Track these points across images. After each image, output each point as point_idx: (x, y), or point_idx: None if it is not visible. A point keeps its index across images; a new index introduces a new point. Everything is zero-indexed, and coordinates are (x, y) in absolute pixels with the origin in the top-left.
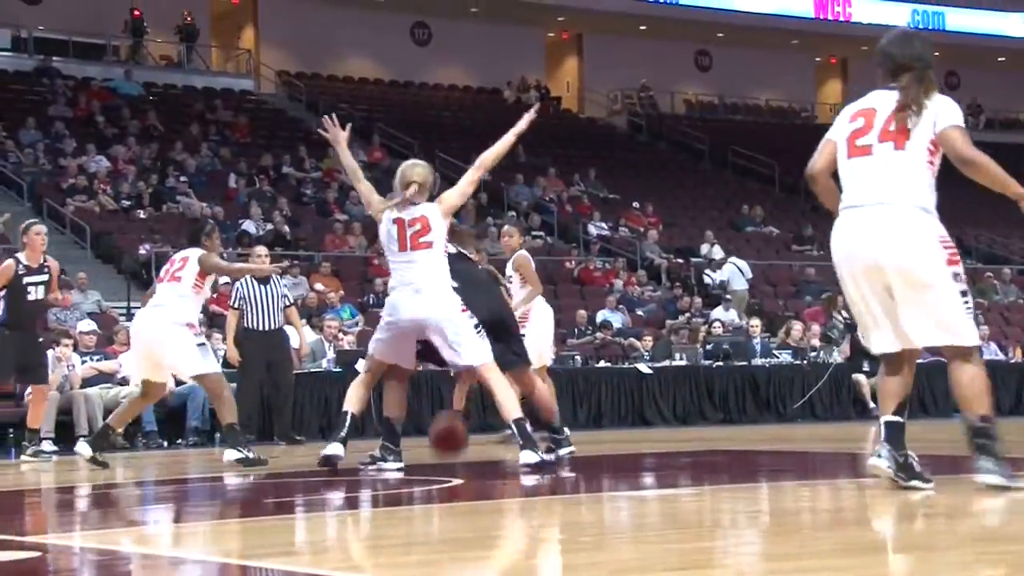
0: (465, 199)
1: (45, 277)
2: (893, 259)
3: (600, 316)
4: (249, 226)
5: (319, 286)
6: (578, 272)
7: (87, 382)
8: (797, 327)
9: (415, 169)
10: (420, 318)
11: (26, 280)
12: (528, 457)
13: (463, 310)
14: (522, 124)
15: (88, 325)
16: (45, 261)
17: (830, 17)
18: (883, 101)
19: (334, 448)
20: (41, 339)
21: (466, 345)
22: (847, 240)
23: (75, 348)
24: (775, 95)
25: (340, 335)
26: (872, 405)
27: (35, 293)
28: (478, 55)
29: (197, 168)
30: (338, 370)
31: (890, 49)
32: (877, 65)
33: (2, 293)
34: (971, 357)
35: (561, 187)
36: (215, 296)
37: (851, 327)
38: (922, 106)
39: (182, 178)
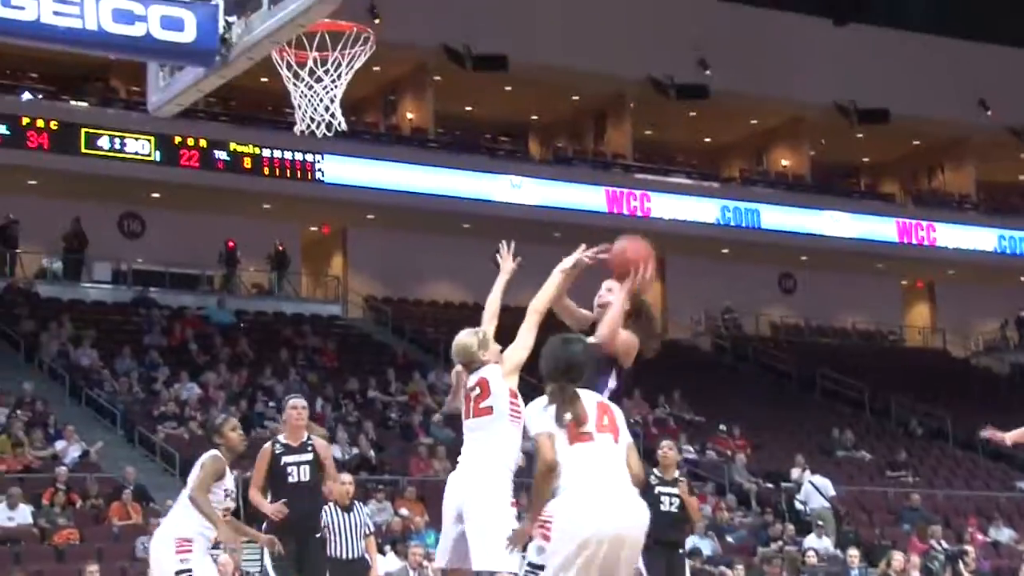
0: (528, 351)
1: (309, 456)
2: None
3: (689, 543)
4: (335, 451)
5: (404, 511)
6: None
7: None
8: (898, 557)
9: (454, 347)
10: (459, 501)
11: (284, 460)
12: None
13: (512, 503)
14: (568, 262)
15: None
16: (309, 439)
17: (915, 242)
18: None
19: None
20: (319, 534)
21: (489, 543)
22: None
23: None
24: (862, 318)
25: (425, 562)
26: None
27: (297, 475)
28: None
29: (285, 393)
30: None
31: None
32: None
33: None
34: None
35: (646, 410)
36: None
37: (951, 557)
38: None
39: (270, 403)
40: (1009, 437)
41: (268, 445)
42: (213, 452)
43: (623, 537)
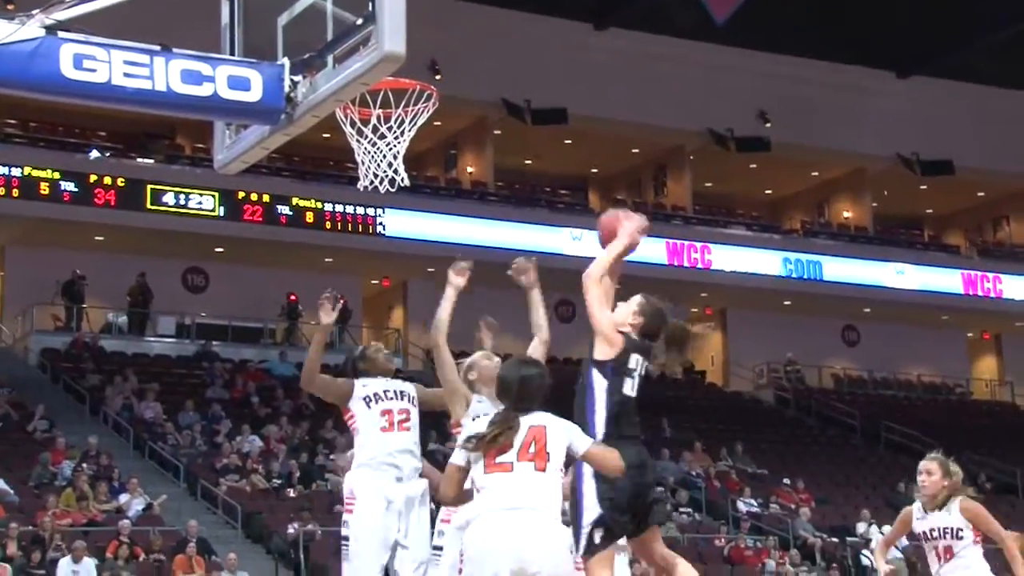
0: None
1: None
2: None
3: None
4: None
5: None
6: (728, 551)
7: None
8: None
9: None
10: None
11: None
12: None
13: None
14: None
15: None
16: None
17: (981, 293)
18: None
19: None
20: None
21: None
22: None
23: None
24: (927, 370)
25: None
26: None
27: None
28: None
29: (347, 447)
30: None
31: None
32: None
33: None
34: None
35: (708, 462)
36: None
37: None
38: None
39: (331, 456)
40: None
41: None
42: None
43: (525, 568)
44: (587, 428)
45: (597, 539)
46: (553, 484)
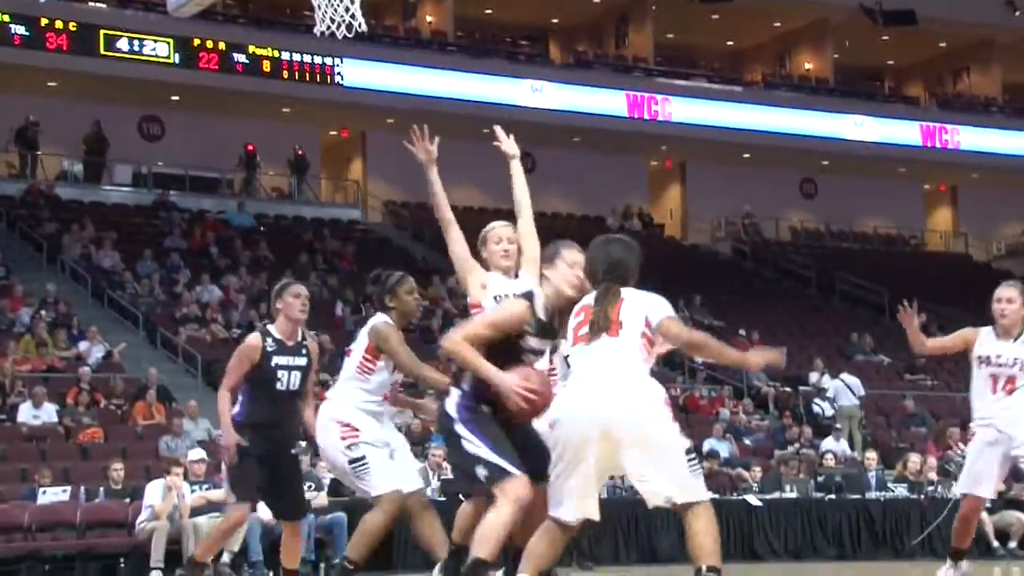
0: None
1: (303, 361)
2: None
3: (707, 445)
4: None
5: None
6: (684, 400)
7: (196, 511)
8: (914, 459)
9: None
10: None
11: (276, 361)
12: None
13: None
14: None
15: (198, 454)
16: (303, 338)
17: (938, 145)
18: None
19: None
20: (296, 452)
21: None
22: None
23: (185, 477)
24: (883, 222)
25: (445, 464)
26: (995, 544)
27: (287, 381)
28: (581, 183)
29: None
30: (442, 499)
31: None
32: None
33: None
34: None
35: None
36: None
37: None
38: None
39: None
40: (913, 327)
41: (256, 337)
42: (383, 317)
43: (610, 430)
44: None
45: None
46: (630, 348)
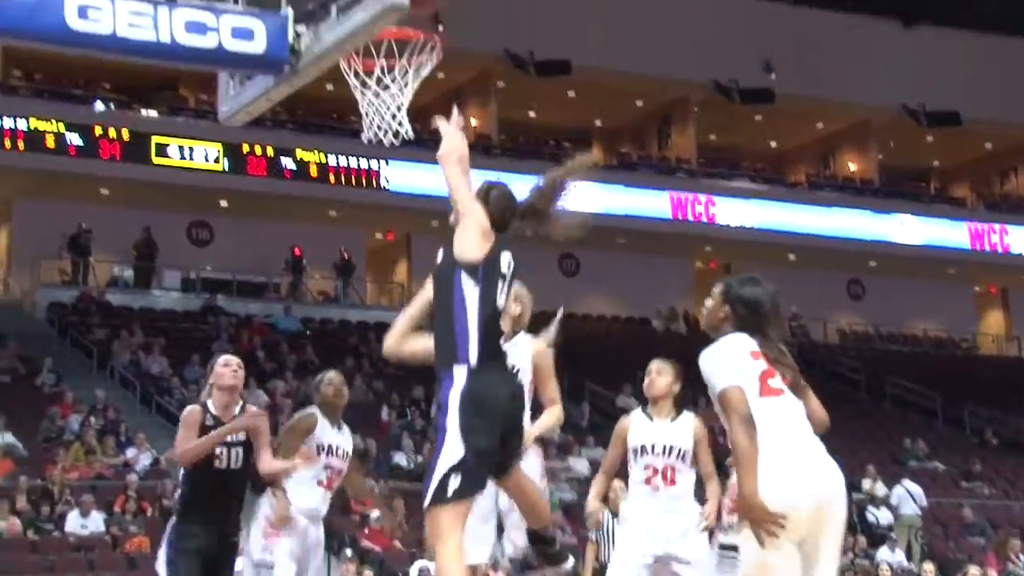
0: None
1: (241, 436)
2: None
3: None
4: (400, 458)
5: None
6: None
7: None
8: (974, 572)
9: None
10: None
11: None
12: None
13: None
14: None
15: (240, 563)
16: (242, 411)
17: (987, 247)
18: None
19: None
20: (234, 539)
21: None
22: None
23: None
24: (933, 324)
25: (491, 572)
26: None
27: (227, 459)
28: (626, 285)
29: (351, 401)
30: None
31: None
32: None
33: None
34: None
35: (713, 419)
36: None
37: None
38: None
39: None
40: None
41: (198, 410)
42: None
43: (823, 509)
44: (456, 350)
45: (451, 489)
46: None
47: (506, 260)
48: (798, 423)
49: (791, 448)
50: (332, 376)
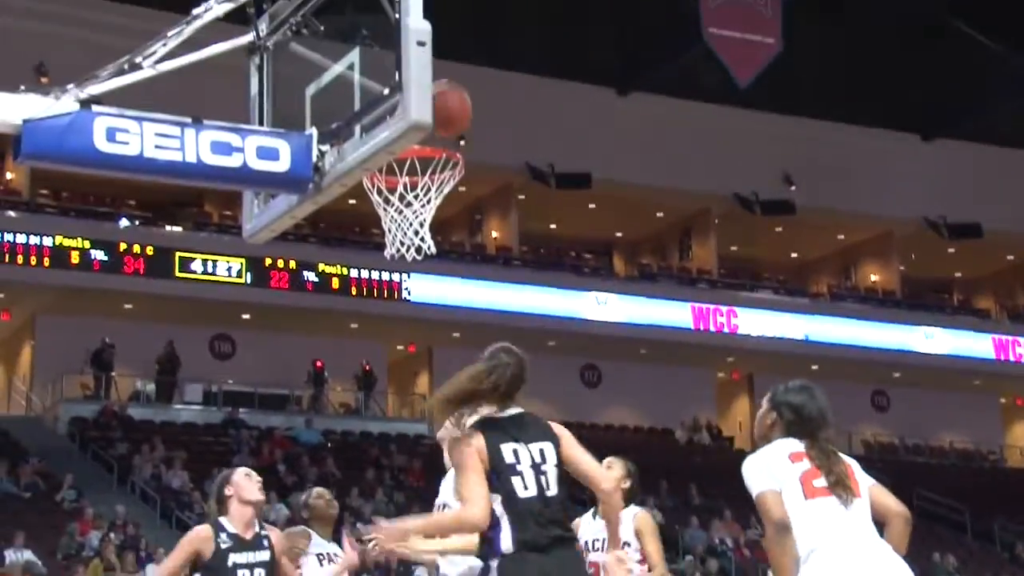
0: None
1: (266, 555)
2: None
3: None
4: (421, 572)
5: None
6: None
7: None
8: None
9: None
10: None
11: (233, 560)
12: None
13: None
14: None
15: None
16: (262, 528)
17: (1012, 359)
18: None
19: None
20: None
21: None
22: None
23: None
24: (959, 436)
25: None
26: None
27: None
28: (648, 395)
29: (372, 513)
30: None
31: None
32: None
33: None
34: None
35: (737, 531)
36: None
37: None
38: None
39: (358, 524)
40: None
41: (207, 529)
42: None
43: None
44: (492, 544)
45: None
46: (869, 512)
47: (509, 450)
48: (849, 523)
49: (838, 549)
50: (319, 489)
